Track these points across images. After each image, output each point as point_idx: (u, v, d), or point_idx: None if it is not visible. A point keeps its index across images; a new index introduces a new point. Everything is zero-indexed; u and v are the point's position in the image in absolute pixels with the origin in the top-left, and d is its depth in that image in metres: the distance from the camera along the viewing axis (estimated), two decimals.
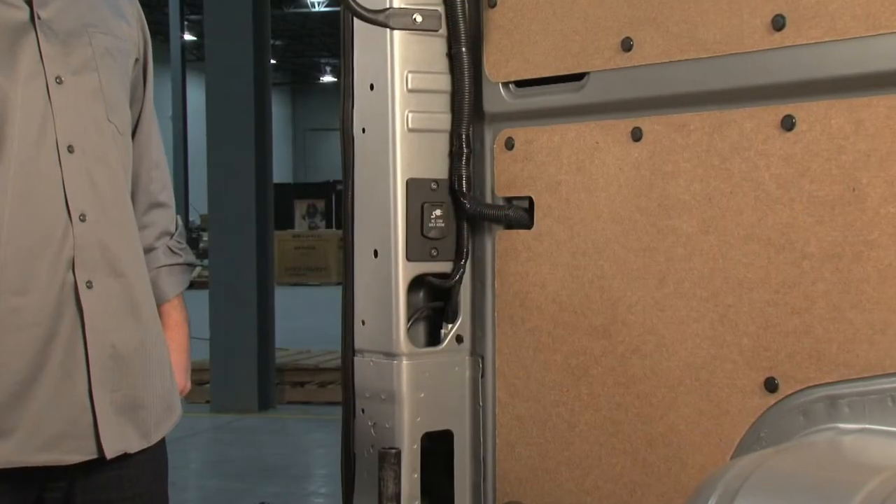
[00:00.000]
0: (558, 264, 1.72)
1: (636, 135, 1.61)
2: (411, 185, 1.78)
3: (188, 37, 25.96)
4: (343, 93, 1.87)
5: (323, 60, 38.25)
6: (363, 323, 1.85)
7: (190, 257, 2.17)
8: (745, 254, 1.50)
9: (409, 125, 1.78)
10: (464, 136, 1.79)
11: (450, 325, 1.83)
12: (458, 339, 1.84)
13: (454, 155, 1.80)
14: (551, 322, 1.73)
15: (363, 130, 1.84)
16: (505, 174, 1.79)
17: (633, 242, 1.62)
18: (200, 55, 8.56)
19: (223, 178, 8.12)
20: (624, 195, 1.63)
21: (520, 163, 1.78)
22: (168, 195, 2.15)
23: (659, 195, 1.59)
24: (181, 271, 2.14)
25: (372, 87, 1.82)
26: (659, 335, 1.60)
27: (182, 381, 2.12)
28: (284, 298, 13.19)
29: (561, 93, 1.71)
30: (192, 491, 6.26)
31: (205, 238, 16.17)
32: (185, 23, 25.02)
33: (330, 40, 32.74)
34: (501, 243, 1.80)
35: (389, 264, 1.79)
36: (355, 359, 1.87)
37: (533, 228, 1.75)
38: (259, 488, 6.19)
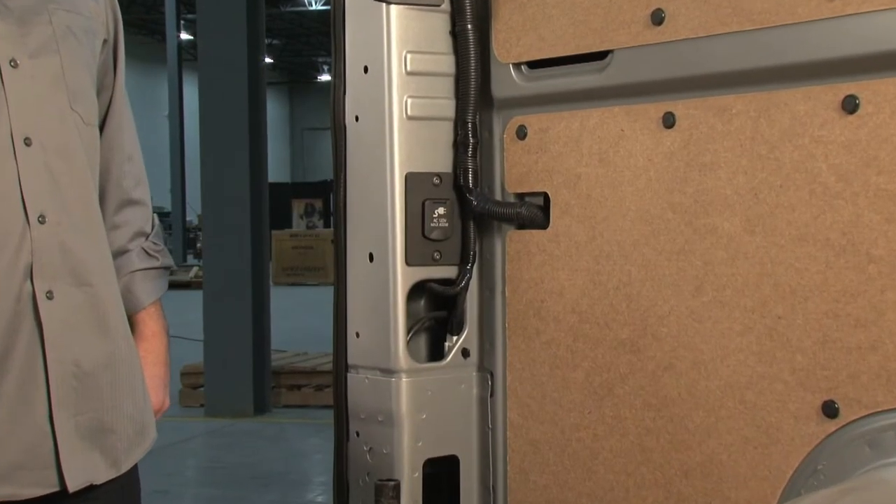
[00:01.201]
0: (578, 269, 1.59)
1: (668, 121, 1.48)
2: (411, 179, 1.67)
3: (185, 36, 26.13)
4: (334, 77, 1.76)
5: (321, 59, 38.63)
6: (357, 335, 1.74)
7: (167, 260, 1.98)
8: (798, 257, 1.36)
9: (408, 112, 1.67)
10: (470, 125, 1.69)
11: (455, 338, 1.74)
12: (464, 352, 1.74)
13: (459, 146, 1.69)
14: (570, 335, 1.61)
15: (356, 119, 1.72)
16: (517, 167, 1.67)
17: (666, 244, 1.49)
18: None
19: (217, 177, 8.13)
20: (654, 190, 1.50)
21: (533, 154, 1.65)
22: (143, 191, 1.96)
23: (695, 190, 1.45)
24: (157, 276, 1.95)
25: (366, 69, 1.70)
26: (696, 350, 1.46)
27: (160, 397, 1.93)
28: (282, 298, 13.43)
29: (581, 74, 1.58)
30: (186, 499, 6.16)
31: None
32: (182, 22, 25.25)
33: (327, 39, 32.86)
34: (513, 245, 1.69)
35: (386, 269, 1.68)
36: (348, 375, 1.75)
37: (549, 228, 1.63)
38: (255, 496, 6.07)
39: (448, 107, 1.70)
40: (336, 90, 1.73)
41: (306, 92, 41.33)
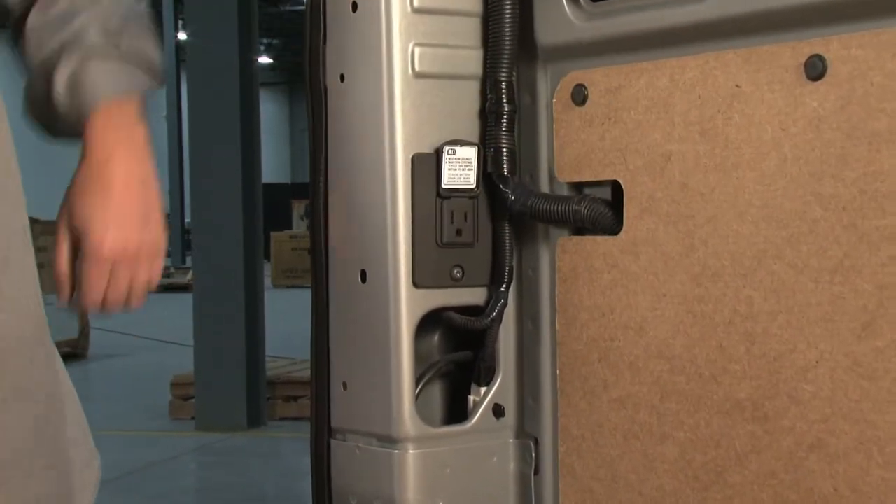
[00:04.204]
0: (668, 293, 1.25)
1: (814, 69, 1.12)
2: (420, 164, 1.38)
3: (183, 36, 26.89)
4: (310, 19, 1.40)
5: None
6: (344, 387, 1.40)
7: (146, 46, 1.33)
8: None
9: (416, 67, 1.37)
10: (504, 85, 1.39)
11: (483, 390, 1.46)
12: (497, 411, 1.43)
13: (489, 115, 1.41)
14: (656, 390, 1.25)
15: (341, 78, 1.38)
16: (573, 145, 1.35)
17: (812, 258, 1.13)
18: None
19: (207, 177, 8.29)
20: (791, 176, 1.14)
21: (598, 125, 1.31)
22: None
23: (861, 175, 1.09)
24: (120, 70, 1.30)
25: (355, 7, 1.38)
26: (863, 422, 1.09)
27: (124, 233, 1.22)
28: (280, 301, 13.84)
29: (671, 5, 1.23)
30: None
31: None
32: (180, 21, 26.08)
33: None
34: (567, 258, 1.37)
35: (386, 293, 1.37)
36: (333, 443, 1.42)
37: (621, 233, 1.32)
38: None
39: (473, 59, 1.39)
40: (312, 39, 1.36)
41: None
